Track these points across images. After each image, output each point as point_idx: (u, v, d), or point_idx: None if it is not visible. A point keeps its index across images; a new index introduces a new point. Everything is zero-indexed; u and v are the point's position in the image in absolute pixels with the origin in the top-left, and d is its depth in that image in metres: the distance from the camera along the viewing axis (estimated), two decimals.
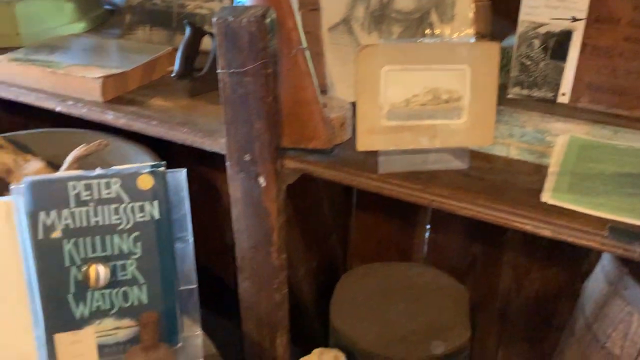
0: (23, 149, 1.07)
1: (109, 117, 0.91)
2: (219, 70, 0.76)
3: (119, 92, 0.96)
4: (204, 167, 1.34)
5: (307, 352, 0.93)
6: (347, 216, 1.26)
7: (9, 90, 1.00)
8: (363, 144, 0.76)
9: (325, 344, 0.97)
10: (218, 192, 1.38)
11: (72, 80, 0.95)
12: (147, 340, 0.72)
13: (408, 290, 1.09)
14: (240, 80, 0.75)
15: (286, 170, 0.82)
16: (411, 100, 0.75)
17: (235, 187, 0.83)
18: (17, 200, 0.73)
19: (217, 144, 0.84)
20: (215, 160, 1.32)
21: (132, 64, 0.99)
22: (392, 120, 0.75)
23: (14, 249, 0.74)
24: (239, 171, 0.82)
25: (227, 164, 0.82)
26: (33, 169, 0.97)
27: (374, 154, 0.77)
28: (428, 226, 1.21)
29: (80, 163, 0.93)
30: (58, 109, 0.96)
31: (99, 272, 0.73)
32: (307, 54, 0.76)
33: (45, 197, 0.72)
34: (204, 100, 0.95)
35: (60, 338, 0.74)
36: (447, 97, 0.75)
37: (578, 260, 1.08)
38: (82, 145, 0.93)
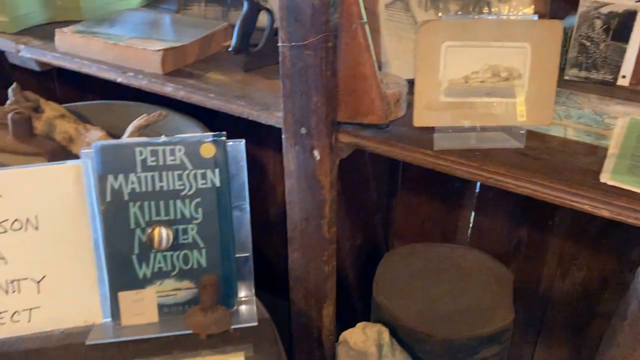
0: (82, 119, 1.12)
1: (169, 89, 0.94)
2: (279, 44, 0.77)
3: (177, 66, 0.99)
4: (249, 144, 1.37)
5: (347, 328, 0.95)
6: (392, 196, 1.27)
7: (72, 62, 1.04)
8: (420, 119, 0.76)
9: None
10: (263, 170, 1.40)
11: (134, 52, 0.98)
12: (206, 302, 0.75)
13: (452, 271, 1.09)
14: (301, 53, 0.76)
15: (340, 144, 0.83)
16: (470, 77, 0.75)
17: (289, 159, 0.85)
18: (86, 164, 0.77)
19: (272, 117, 0.86)
20: (261, 138, 1.35)
21: (189, 38, 1.02)
22: (450, 96, 0.75)
23: (82, 210, 0.78)
24: (295, 144, 0.83)
25: (283, 136, 0.84)
26: (94, 137, 1.01)
27: (428, 130, 0.77)
28: (473, 209, 1.21)
29: (140, 133, 0.96)
30: (119, 80, 0.99)
31: (162, 234, 0.76)
32: (367, 28, 0.77)
33: (114, 162, 0.76)
34: (259, 75, 0.97)
35: (124, 296, 0.78)
36: (507, 74, 0.75)
37: (627, 249, 1.06)
38: (142, 115, 0.97)
